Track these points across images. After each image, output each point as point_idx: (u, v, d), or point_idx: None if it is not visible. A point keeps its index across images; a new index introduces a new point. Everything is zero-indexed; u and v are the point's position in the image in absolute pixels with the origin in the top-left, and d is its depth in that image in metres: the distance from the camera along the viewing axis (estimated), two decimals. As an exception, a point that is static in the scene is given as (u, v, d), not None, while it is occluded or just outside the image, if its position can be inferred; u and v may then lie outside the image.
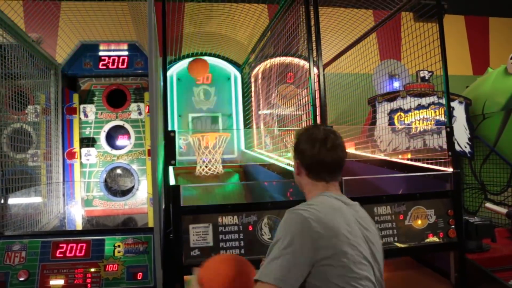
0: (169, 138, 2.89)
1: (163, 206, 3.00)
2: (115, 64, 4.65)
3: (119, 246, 2.68)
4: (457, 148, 5.48)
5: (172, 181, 2.98)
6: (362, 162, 4.35)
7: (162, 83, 3.03)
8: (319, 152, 1.90)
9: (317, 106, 3.24)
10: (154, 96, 2.64)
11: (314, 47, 3.28)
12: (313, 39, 3.28)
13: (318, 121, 3.21)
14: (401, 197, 3.21)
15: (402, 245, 3.10)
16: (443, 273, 3.40)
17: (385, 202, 3.13)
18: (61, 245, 2.64)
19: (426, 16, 3.79)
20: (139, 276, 2.62)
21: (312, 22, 3.32)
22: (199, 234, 2.77)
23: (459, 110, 5.53)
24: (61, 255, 2.62)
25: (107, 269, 2.61)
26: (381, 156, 4.44)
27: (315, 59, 3.26)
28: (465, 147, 5.51)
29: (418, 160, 3.84)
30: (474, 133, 5.56)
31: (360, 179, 3.41)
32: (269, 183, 4.09)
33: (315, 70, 3.27)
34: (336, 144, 1.93)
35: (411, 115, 5.28)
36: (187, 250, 2.73)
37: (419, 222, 3.16)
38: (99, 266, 2.62)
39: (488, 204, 4.58)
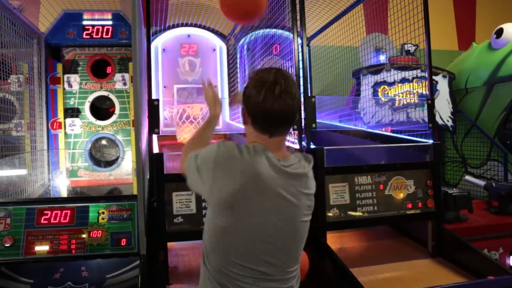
0: (153, 107, 2.91)
1: (148, 176, 3.03)
2: (99, 33, 4.59)
3: (103, 213, 2.71)
4: (440, 122, 5.56)
5: (155, 147, 3.01)
6: (345, 134, 4.40)
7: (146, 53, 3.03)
8: (265, 99, 1.62)
9: (300, 76, 3.25)
10: (138, 66, 2.64)
11: (298, 18, 3.28)
12: (297, 9, 3.29)
13: (301, 91, 3.23)
14: (382, 167, 3.28)
15: (381, 214, 3.18)
16: (420, 242, 3.50)
17: (366, 172, 3.20)
18: (45, 212, 2.67)
19: None
20: (123, 242, 2.67)
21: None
22: (182, 202, 2.82)
23: (442, 84, 5.60)
24: (46, 222, 2.66)
25: (91, 235, 2.66)
26: (363, 128, 4.49)
27: (298, 29, 3.27)
28: (448, 121, 5.60)
29: (400, 132, 3.89)
30: (457, 107, 5.64)
31: (341, 149, 3.46)
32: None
33: (299, 41, 3.28)
34: (286, 90, 1.63)
35: (395, 88, 5.33)
36: (170, 218, 2.77)
37: (399, 192, 3.24)
38: (83, 232, 2.66)
39: (467, 177, 4.69)
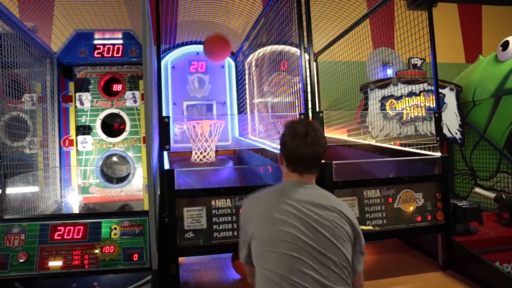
0: (164, 124, 2.96)
1: (159, 192, 3.07)
2: (110, 52, 4.69)
3: (115, 228, 2.76)
4: (448, 134, 5.57)
5: (166, 163, 3.05)
6: (353, 148, 4.42)
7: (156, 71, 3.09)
8: (299, 147, 2.07)
9: (308, 92, 3.29)
10: (148, 84, 2.70)
11: (305, 34, 3.34)
12: (304, 26, 3.34)
13: (309, 107, 3.27)
14: (390, 180, 3.29)
15: (391, 228, 3.19)
16: (431, 255, 3.50)
17: (375, 185, 3.22)
18: (59, 228, 2.72)
19: (416, 4, 3.85)
20: (135, 257, 2.70)
21: (303, 9, 3.37)
22: (193, 217, 2.86)
23: (450, 97, 5.62)
24: (59, 238, 2.70)
25: (104, 251, 2.70)
26: (371, 142, 4.51)
27: (306, 45, 3.32)
28: (456, 133, 5.60)
29: (408, 145, 3.91)
30: (464, 120, 5.65)
31: (350, 163, 3.48)
32: (263, 169, 4.16)
33: (307, 57, 3.33)
34: (315, 141, 2.08)
35: (403, 102, 5.35)
36: (181, 233, 2.81)
37: (408, 205, 3.25)
38: (96, 247, 2.70)
39: (477, 189, 4.68)
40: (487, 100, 5.45)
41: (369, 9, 4.82)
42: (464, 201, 3.89)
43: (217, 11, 5.16)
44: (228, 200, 2.93)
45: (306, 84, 3.31)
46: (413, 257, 3.58)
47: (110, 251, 2.69)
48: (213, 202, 2.90)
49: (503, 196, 4.31)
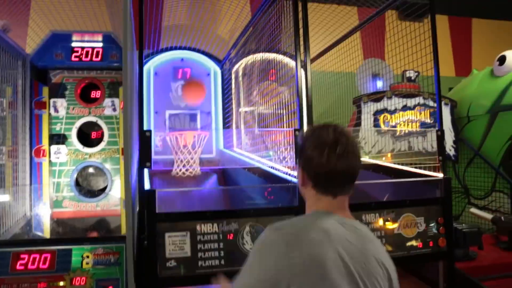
0: (145, 139, 2.67)
1: (137, 210, 2.78)
2: (89, 56, 4.36)
3: (87, 256, 2.43)
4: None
5: (146, 182, 2.76)
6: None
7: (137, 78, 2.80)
8: (328, 160, 1.56)
9: (303, 104, 3.06)
10: (128, 91, 2.41)
11: (301, 43, 3.10)
12: (301, 33, 3.10)
13: (305, 121, 3.02)
14: (390, 204, 3.05)
15: (392, 255, 2.94)
16: (430, 283, 3.29)
17: (374, 209, 2.98)
18: (22, 256, 2.38)
19: (407, 13, 3.72)
20: (110, 290, 2.39)
21: (300, 16, 3.14)
22: (175, 243, 2.57)
23: (444, 112, 5.43)
24: (22, 268, 2.36)
25: (73, 283, 2.36)
26: (368, 159, 4.30)
27: (302, 56, 3.07)
28: (450, 150, 5.42)
29: (406, 164, 3.70)
30: (459, 136, 5.48)
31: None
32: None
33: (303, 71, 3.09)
34: (349, 149, 1.58)
35: (397, 116, 5.15)
36: (162, 261, 2.52)
37: (409, 230, 3.01)
38: (65, 279, 2.37)
39: (473, 209, 4.50)
40: (482, 116, 5.28)
41: (360, 19, 4.67)
42: (463, 224, 3.71)
43: (204, 17, 4.92)
44: (215, 224, 2.64)
45: (302, 97, 3.06)
46: (412, 285, 3.36)
47: (81, 283, 2.37)
48: (198, 227, 2.62)
49: (502, 218, 4.13)
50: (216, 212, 2.69)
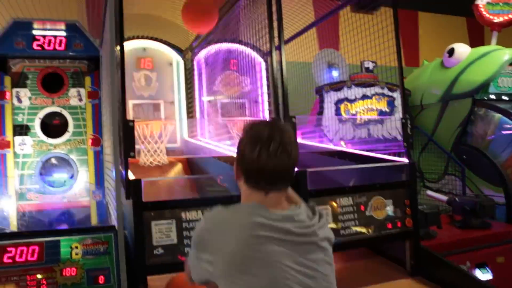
0: (128, 128, 2.68)
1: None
2: (52, 45, 4.25)
3: (76, 247, 2.42)
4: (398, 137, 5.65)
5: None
6: (313, 153, 4.33)
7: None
8: (259, 157, 1.52)
9: (279, 96, 3.15)
10: (116, 81, 2.42)
11: (275, 35, 3.18)
12: (275, 26, 3.19)
13: (281, 112, 3.11)
14: (362, 187, 3.22)
15: (364, 236, 3.12)
16: (396, 261, 3.47)
17: (348, 193, 3.13)
18: (9, 249, 2.33)
19: (361, 6, 3.86)
20: (101, 279, 2.39)
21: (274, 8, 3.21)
22: (162, 232, 2.61)
23: (399, 100, 5.70)
24: (10, 261, 2.33)
25: (64, 274, 2.36)
26: (332, 146, 4.46)
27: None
28: (405, 136, 5.69)
29: (372, 150, 3.87)
30: (413, 123, 5.76)
31: (321, 170, 3.36)
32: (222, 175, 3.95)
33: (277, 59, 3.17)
34: (282, 148, 1.53)
35: (356, 104, 5.35)
36: (150, 249, 2.55)
37: (379, 212, 3.19)
38: (55, 270, 2.35)
39: (429, 192, 4.77)
40: (434, 105, 5.59)
41: (314, 8, 4.80)
42: (424, 206, 3.94)
43: (167, 6, 4.89)
44: (200, 211, 2.70)
45: (276, 87, 3.15)
46: (380, 264, 3.52)
47: (72, 274, 2.36)
48: (183, 214, 2.67)
49: (456, 199, 4.41)
50: (200, 200, 2.76)
